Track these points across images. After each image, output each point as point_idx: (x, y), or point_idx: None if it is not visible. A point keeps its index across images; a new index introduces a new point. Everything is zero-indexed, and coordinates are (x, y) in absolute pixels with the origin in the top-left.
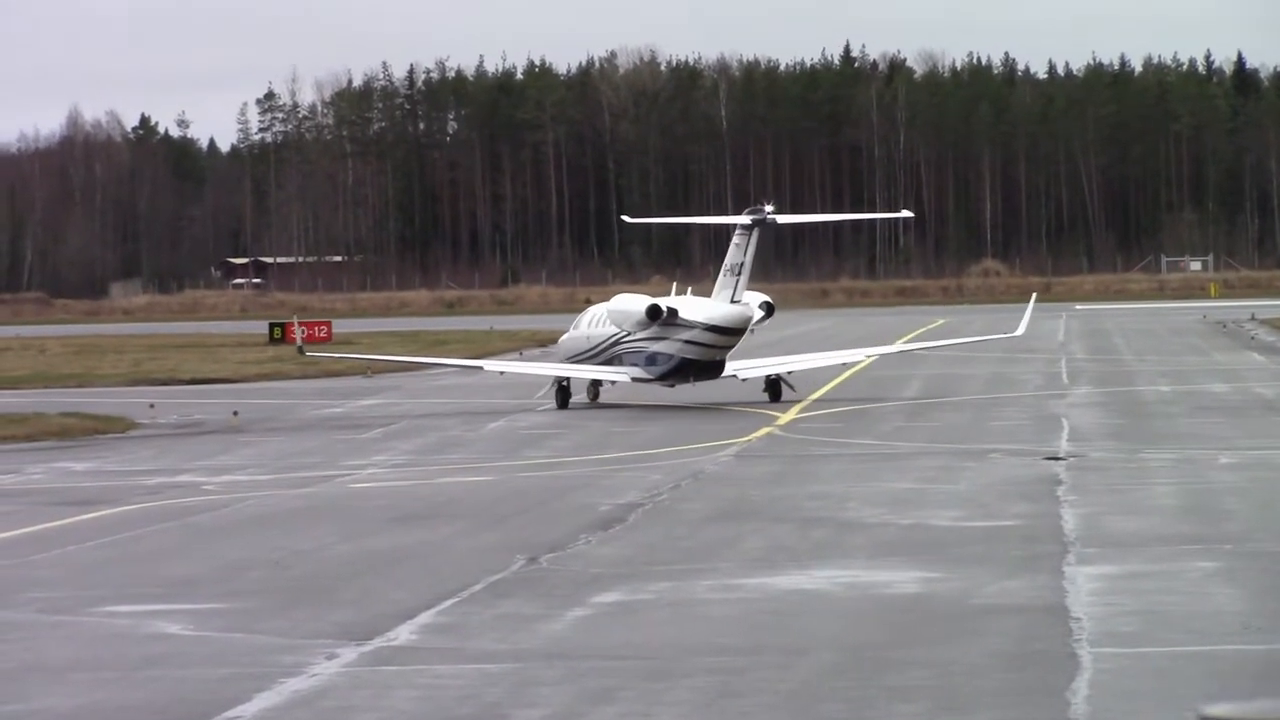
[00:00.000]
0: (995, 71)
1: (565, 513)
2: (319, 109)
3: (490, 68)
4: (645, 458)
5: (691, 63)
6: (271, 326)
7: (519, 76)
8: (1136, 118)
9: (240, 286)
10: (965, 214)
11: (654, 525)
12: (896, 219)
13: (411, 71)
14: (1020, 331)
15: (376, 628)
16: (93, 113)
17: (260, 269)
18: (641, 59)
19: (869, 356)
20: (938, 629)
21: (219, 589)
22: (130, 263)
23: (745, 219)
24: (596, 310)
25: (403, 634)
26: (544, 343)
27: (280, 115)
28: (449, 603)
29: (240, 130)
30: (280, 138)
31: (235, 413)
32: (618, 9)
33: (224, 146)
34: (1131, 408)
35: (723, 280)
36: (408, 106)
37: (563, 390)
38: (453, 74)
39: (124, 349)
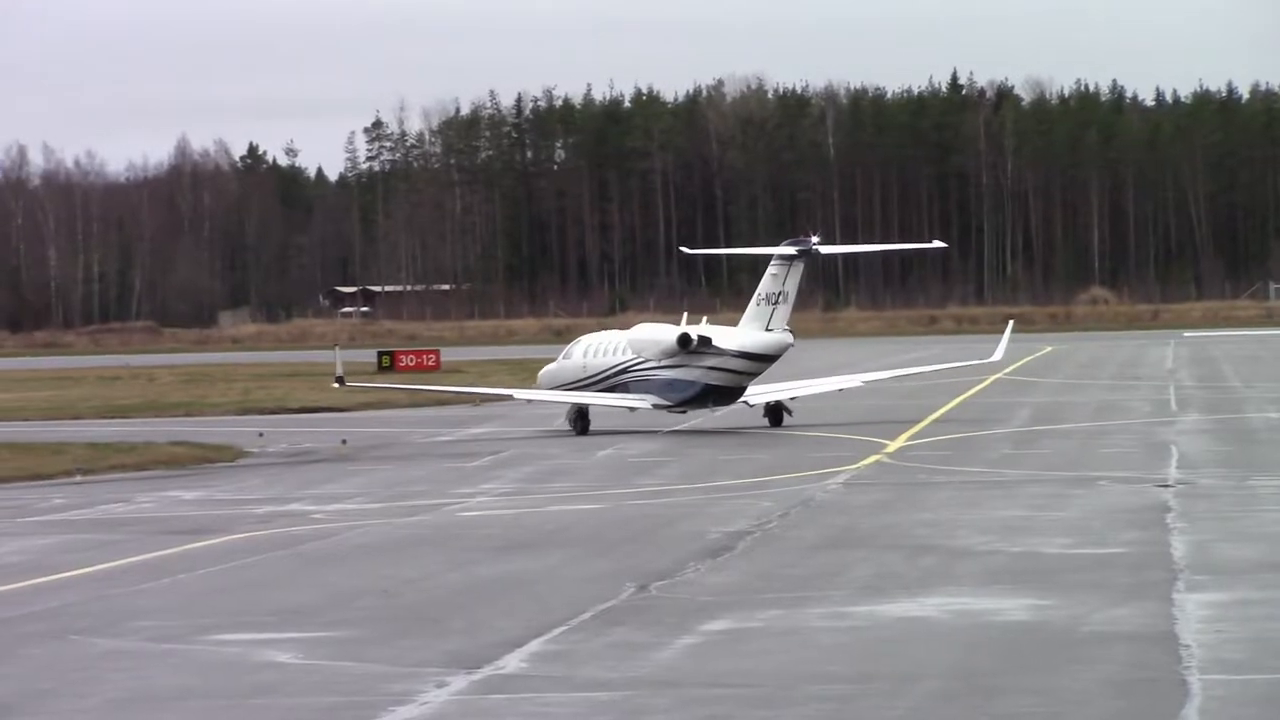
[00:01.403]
0: (1103, 99)
1: (674, 540)
2: (427, 137)
3: (598, 96)
4: (754, 485)
5: (799, 90)
6: (379, 355)
7: (627, 104)
8: (1244, 144)
9: (348, 315)
10: (1072, 241)
11: (763, 553)
12: (927, 249)
13: (519, 100)
14: (997, 357)
15: (485, 656)
16: (201, 142)
17: (368, 297)
18: (749, 87)
19: (864, 383)
20: (1047, 656)
21: (328, 617)
22: (238, 292)
23: (790, 250)
24: (592, 340)
25: (512, 662)
26: None
27: (388, 144)
28: (558, 631)
29: (348, 159)
30: (388, 166)
31: (344, 441)
32: (725, 37)
33: (332, 175)
34: (1240, 434)
35: (755, 310)
36: (515, 135)
37: (581, 416)
38: (560, 102)
39: (232, 378)
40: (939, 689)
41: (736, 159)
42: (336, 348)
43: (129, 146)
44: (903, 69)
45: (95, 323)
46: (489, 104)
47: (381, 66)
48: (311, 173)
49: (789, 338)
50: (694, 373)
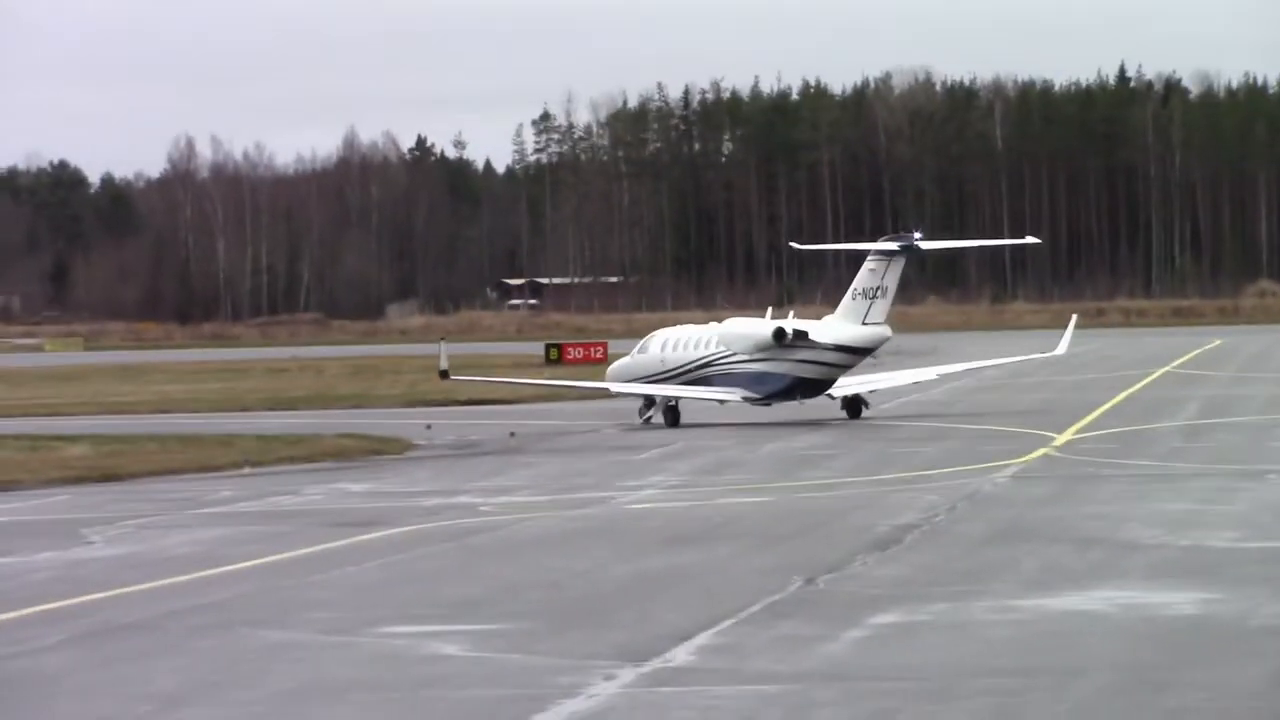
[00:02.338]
0: (1271, 91)
1: (842, 533)
2: (594, 130)
3: (765, 88)
4: (922, 479)
5: (967, 83)
6: (548, 347)
7: (794, 97)
8: None
9: (516, 307)
10: (1240, 234)
11: (931, 546)
12: (1023, 244)
13: (687, 92)
14: (1061, 351)
15: (654, 649)
16: (369, 134)
17: (536, 290)
18: (916, 79)
19: (939, 375)
20: (1216, 650)
21: (497, 610)
22: (406, 284)
23: (892, 245)
24: (669, 334)
25: (680, 655)
26: None
27: (556, 136)
28: (726, 623)
29: (516, 151)
30: (556, 159)
31: (512, 434)
32: (893, 29)
33: (500, 167)
34: None
35: (851, 304)
36: (683, 127)
37: (671, 410)
38: (728, 94)
39: (400, 369)
40: (1106, 683)
41: (904, 152)
42: (442, 340)
43: (297, 139)
44: (1070, 62)
45: (263, 315)
46: (657, 96)
47: (549, 59)
48: (480, 165)
49: (887, 331)
50: (785, 365)
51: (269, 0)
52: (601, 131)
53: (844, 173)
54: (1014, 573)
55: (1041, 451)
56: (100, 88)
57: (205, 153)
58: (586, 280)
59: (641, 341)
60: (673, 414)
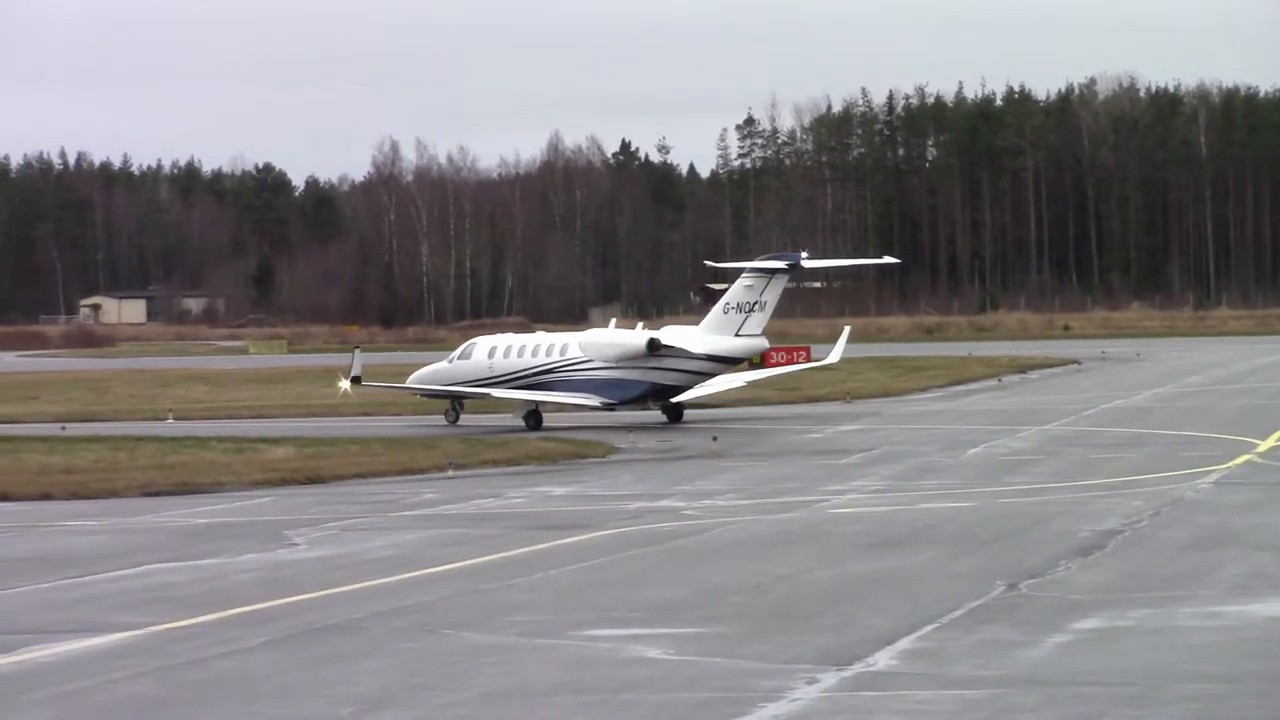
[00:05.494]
0: None
1: (1045, 539)
2: (798, 135)
3: (970, 94)
4: (1125, 484)
5: (1171, 89)
6: None
7: (998, 103)
8: None
9: None
10: None
11: (1134, 552)
12: (882, 264)
13: (891, 97)
14: (833, 360)
15: (856, 653)
16: (573, 138)
17: None
18: (1121, 85)
19: (746, 382)
20: None
21: (699, 613)
22: (609, 288)
23: (778, 264)
24: (494, 341)
25: (882, 659)
26: (1023, 368)
27: (760, 141)
28: (929, 628)
29: (720, 155)
30: (760, 163)
31: (715, 438)
32: (1097, 35)
33: (703, 172)
34: None
35: (723, 317)
36: (887, 133)
37: (534, 414)
38: (932, 100)
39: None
40: None
41: (1108, 158)
42: (356, 350)
43: (501, 142)
44: (1276, 68)
45: (467, 319)
46: (861, 101)
47: (754, 64)
48: (683, 169)
49: (764, 342)
50: (642, 373)
51: (473, 4)
52: (805, 136)
53: (1048, 178)
54: (1217, 578)
55: (1245, 458)
56: (305, 91)
57: (410, 156)
58: (789, 285)
59: (461, 348)
60: (535, 417)
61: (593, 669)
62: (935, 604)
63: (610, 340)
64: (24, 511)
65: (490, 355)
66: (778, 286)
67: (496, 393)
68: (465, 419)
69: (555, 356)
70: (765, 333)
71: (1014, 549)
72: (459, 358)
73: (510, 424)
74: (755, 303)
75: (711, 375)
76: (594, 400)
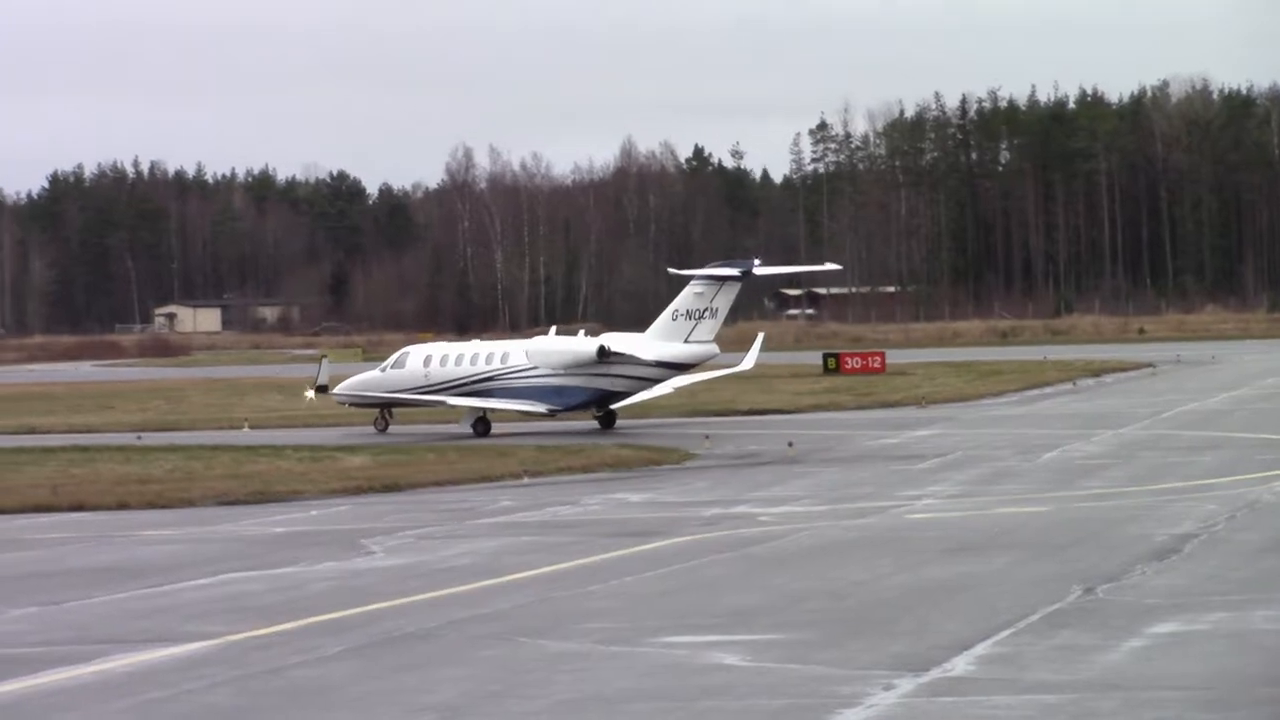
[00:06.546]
0: None
1: (1121, 543)
2: (871, 139)
3: (1042, 97)
4: (1200, 488)
5: (1244, 91)
6: (825, 357)
7: (1071, 106)
8: None
9: (794, 317)
10: None
11: (1210, 555)
12: (826, 270)
13: (964, 101)
14: (747, 366)
15: (933, 658)
16: (646, 143)
17: (813, 299)
18: (1194, 87)
19: (674, 389)
20: None
21: (776, 619)
22: None
23: (730, 270)
24: (428, 349)
25: (959, 665)
26: (1098, 372)
27: (833, 145)
28: (1005, 633)
29: (793, 160)
30: (833, 168)
31: (790, 444)
32: (1169, 38)
33: (777, 177)
34: None
35: (671, 324)
36: (960, 136)
37: (482, 421)
38: (1005, 104)
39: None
40: None
41: (1181, 160)
42: (324, 358)
43: (574, 148)
44: None
45: (541, 324)
46: (933, 105)
47: (826, 68)
48: (757, 174)
49: (714, 349)
50: (586, 380)
51: (545, 10)
52: (878, 141)
53: (1121, 181)
54: None
55: None
56: (378, 98)
57: (483, 163)
58: (863, 290)
59: (393, 357)
60: (483, 424)
61: (669, 676)
62: (1012, 609)
63: (559, 348)
64: (101, 521)
65: (426, 364)
66: (729, 293)
67: (451, 400)
68: (394, 427)
69: (496, 364)
70: (716, 339)
71: (1090, 553)
72: (392, 366)
73: (456, 431)
74: (706, 309)
75: (659, 381)
76: (539, 407)
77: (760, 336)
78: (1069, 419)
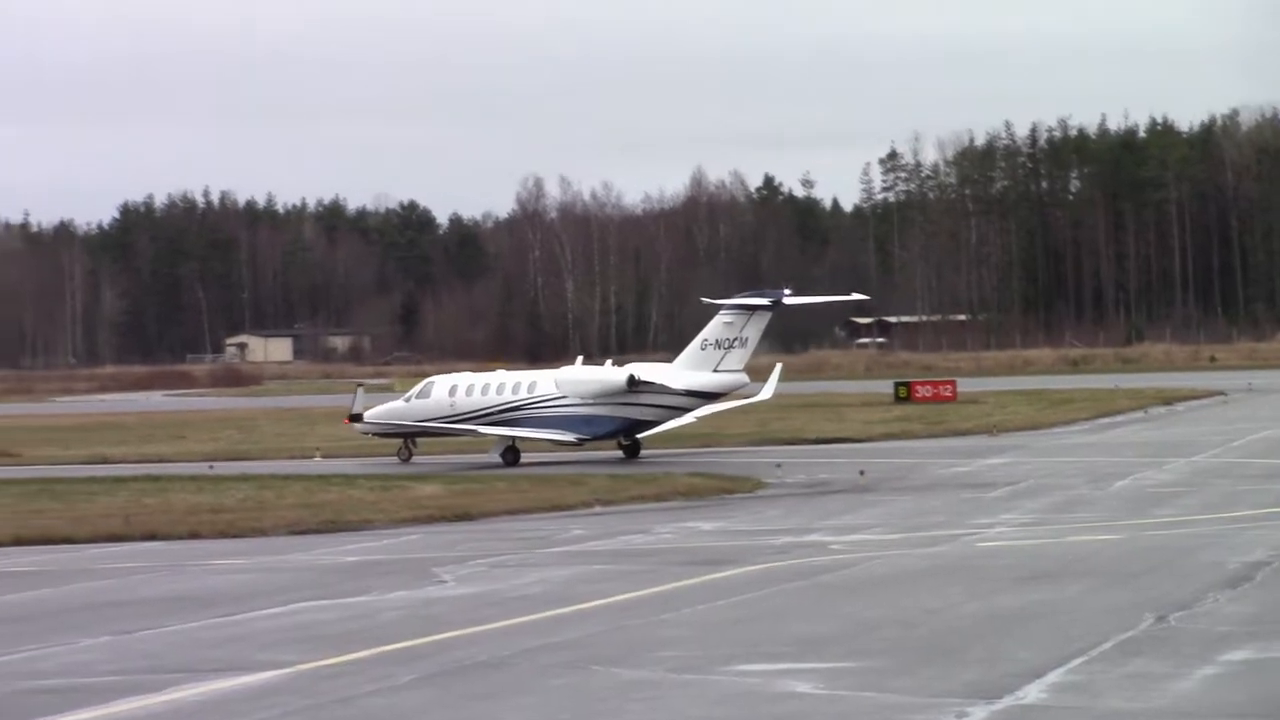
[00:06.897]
0: None
1: (1193, 570)
2: (941, 168)
3: (1112, 126)
4: (1272, 516)
5: None
6: (896, 385)
7: (1141, 134)
8: None
9: (864, 346)
10: None
11: None
12: (847, 300)
13: (1034, 130)
14: (766, 395)
15: (1006, 686)
16: (716, 173)
17: (884, 328)
18: (1264, 116)
19: (715, 411)
20: None
21: (848, 647)
22: None
23: (761, 300)
24: (454, 379)
25: (1032, 693)
26: (1169, 400)
27: (903, 175)
28: (1078, 661)
29: (864, 189)
30: (903, 197)
31: (862, 472)
32: (1240, 66)
33: (847, 206)
34: None
35: (700, 353)
36: (1030, 165)
37: (511, 450)
38: (1075, 132)
39: (748, 409)
40: None
41: (1251, 188)
42: (359, 387)
43: (645, 178)
44: None
45: (612, 354)
46: (1004, 134)
47: (896, 97)
48: (827, 204)
49: (744, 378)
50: (616, 409)
51: (616, 40)
52: (949, 170)
53: (1191, 210)
54: None
55: None
56: (448, 128)
57: (553, 192)
58: (934, 318)
59: (418, 387)
60: (512, 453)
61: (742, 704)
62: (1084, 637)
63: (589, 377)
64: (173, 551)
65: (451, 393)
66: (759, 323)
67: (482, 429)
68: (421, 457)
69: (523, 394)
70: (746, 369)
71: (1162, 581)
72: (417, 396)
73: (484, 461)
74: (735, 339)
75: (689, 410)
76: (568, 435)
77: (778, 367)
78: (1140, 447)
